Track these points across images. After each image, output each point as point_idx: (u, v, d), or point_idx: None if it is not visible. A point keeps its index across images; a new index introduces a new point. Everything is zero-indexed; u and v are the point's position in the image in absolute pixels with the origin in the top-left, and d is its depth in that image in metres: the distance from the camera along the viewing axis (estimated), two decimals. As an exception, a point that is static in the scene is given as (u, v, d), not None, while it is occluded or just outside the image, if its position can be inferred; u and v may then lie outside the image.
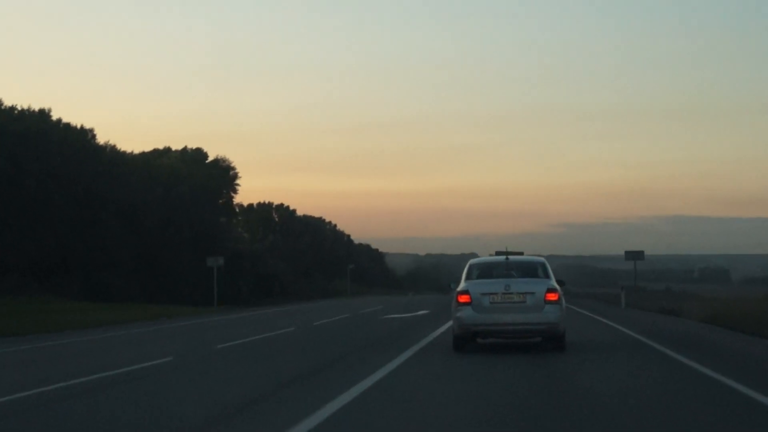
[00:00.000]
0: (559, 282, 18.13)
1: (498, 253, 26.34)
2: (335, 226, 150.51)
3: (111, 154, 58.34)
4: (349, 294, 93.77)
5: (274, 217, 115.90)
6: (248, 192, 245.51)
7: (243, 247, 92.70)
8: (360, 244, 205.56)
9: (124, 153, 63.42)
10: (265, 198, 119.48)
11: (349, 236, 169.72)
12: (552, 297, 17.31)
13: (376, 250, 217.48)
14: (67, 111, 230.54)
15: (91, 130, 56.47)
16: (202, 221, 70.38)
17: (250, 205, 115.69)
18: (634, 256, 51.75)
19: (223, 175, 79.31)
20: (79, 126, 55.70)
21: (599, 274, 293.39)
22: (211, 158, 79.81)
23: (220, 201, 79.96)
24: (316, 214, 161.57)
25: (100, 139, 58.30)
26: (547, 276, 17.97)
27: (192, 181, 69.52)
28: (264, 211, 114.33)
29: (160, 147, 77.84)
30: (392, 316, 35.72)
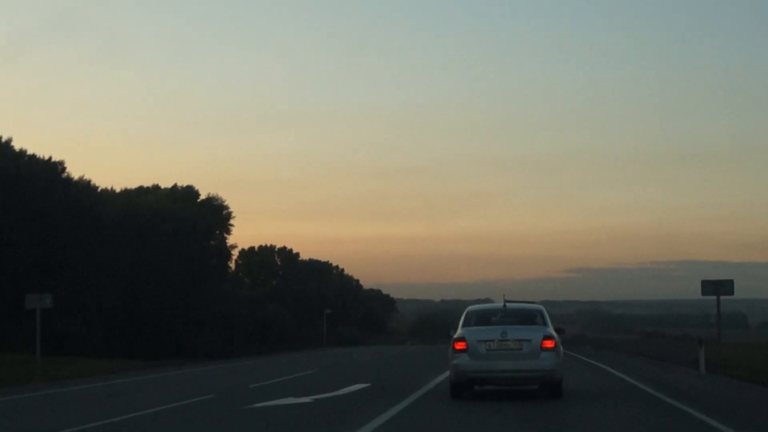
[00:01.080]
0: (557, 330, 18.12)
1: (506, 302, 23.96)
2: (342, 270, 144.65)
3: (83, 188, 52.64)
4: (325, 345, 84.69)
5: (276, 261, 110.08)
6: (254, 239, 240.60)
7: (241, 293, 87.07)
8: (370, 290, 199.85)
9: (99, 189, 57.76)
10: (272, 244, 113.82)
11: (357, 281, 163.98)
12: (549, 344, 17.25)
13: (387, 295, 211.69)
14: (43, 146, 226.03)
15: (61, 163, 50.98)
16: (189, 262, 64.77)
17: (251, 249, 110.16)
18: (717, 288, 31.02)
19: (215, 214, 73.86)
20: (46, 158, 50.21)
21: (614, 320, 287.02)
22: (203, 197, 74.44)
23: (212, 242, 74.43)
24: (325, 260, 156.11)
25: (75, 174, 52.95)
26: (545, 323, 17.95)
27: (179, 220, 64.03)
28: (265, 255, 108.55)
29: (148, 185, 72.66)
30: (270, 403, 17.55)
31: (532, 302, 20.54)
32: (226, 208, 74.46)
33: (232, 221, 75.04)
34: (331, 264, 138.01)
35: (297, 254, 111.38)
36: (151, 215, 61.23)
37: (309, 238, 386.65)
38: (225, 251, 75.04)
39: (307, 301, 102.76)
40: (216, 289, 70.41)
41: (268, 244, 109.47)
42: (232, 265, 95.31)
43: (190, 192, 73.39)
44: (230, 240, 75.11)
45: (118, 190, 66.26)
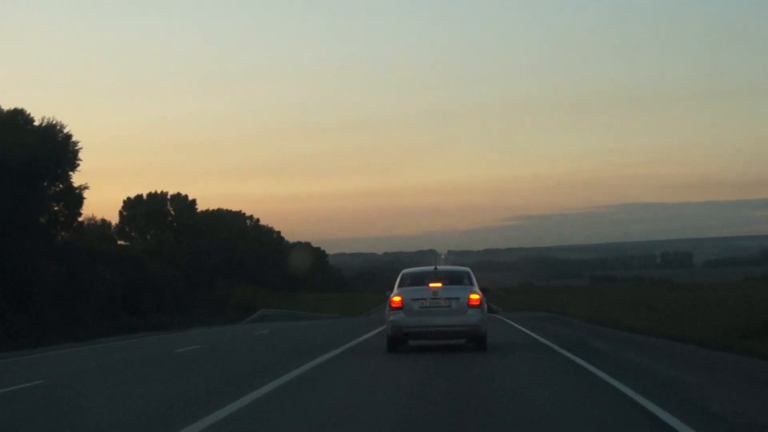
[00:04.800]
0: (483, 290, 20.01)
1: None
2: (258, 221, 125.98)
3: None
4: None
5: (169, 211, 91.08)
6: (206, 200, 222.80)
7: (109, 249, 68.50)
8: (298, 243, 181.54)
9: None
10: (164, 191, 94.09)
11: (279, 233, 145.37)
12: (474, 302, 19.25)
13: (318, 248, 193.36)
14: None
15: None
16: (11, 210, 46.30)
17: (139, 197, 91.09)
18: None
19: (59, 148, 55.08)
20: None
21: (560, 265, 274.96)
22: (38, 123, 55.36)
23: (57, 186, 55.72)
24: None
25: None
26: (471, 284, 19.89)
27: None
28: (155, 204, 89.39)
29: None
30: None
31: (461, 266, 23.22)
32: (70, 136, 55.57)
33: (81, 157, 56.19)
34: (243, 213, 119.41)
35: (194, 201, 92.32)
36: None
37: (248, 198, 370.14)
38: (72, 196, 56.27)
39: (203, 258, 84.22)
40: (51, 246, 51.94)
41: (159, 191, 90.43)
42: (100, 214, 76.56)
43: (18, 116, 54.33)
44: (80, 180, 56.39)
45: None
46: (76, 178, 56.50)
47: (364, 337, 28.01)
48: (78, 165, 56.18)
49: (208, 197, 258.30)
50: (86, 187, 56.27)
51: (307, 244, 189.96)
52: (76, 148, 55.98)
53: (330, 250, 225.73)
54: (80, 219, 58.10)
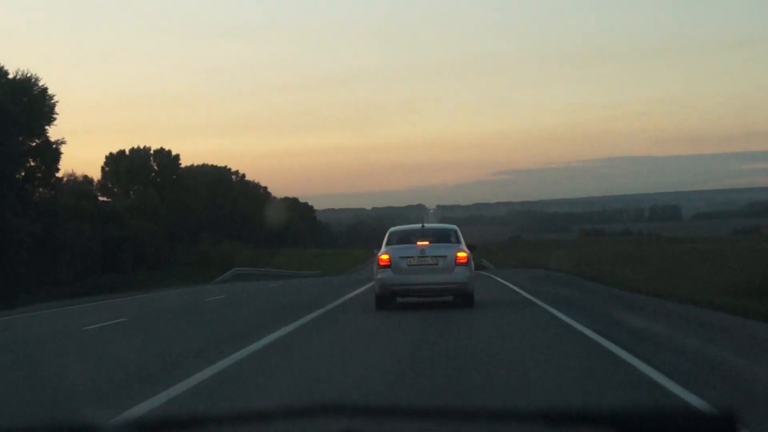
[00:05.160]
0: (470, 247, 20.37)
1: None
2: (243, 176, 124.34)
3: None
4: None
5: (152, 166, 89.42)
6: (191, 156, 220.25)
7: (90, 206, 67.13)
8: (285, 199, 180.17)
9: None
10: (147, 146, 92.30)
11: (265, 188, 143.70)
12: (462, 260, 19.28)
13: (306, 204, 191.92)
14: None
15: None
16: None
17: (121, 152, 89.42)
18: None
19: (34, 102, 53.51)
20: None
21: (548, 219, 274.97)
22: (12, 76, 53.67)
23: (33, 141, 54.20)
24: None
25: None
26: (458, 241, 19.91)
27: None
28: (137, 159, 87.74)
29: None
30: None
31: (448, 224, 22.57)
32: (46, 91, 53.94)
33: (58, 111, 54.59)
34: (228, 169, 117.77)
35: (177, 157, 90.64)
36: None
37: (234, 153, 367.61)
38: (49, 151, 54.73)
39: (187, 215, 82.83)
40: (26, 203, 50.62)
41: (142, 146, 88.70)
42: (83, 171, 74.98)
43: (-9, 70, 52.61)
44: (58, 135, 54.96)
45: None
46: (53, 133, 55.07)
47: (335, 303, 23.02)
48: (54, 119, 54.82)
49: (192, 153, 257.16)
50: (63, 142, 54.84)
51: (295, 200, 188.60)
52: (53, 101, 54.53)
53: (319, 206, 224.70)
54: (58, 175, 56.53)
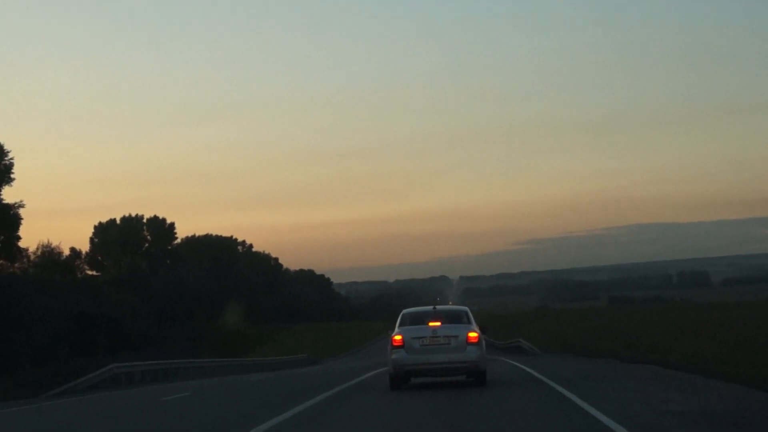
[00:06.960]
0: (481, 328, 20.78)
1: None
2: (251, 246, 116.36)
3: None
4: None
5: (145, 236, 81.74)
6: (191, 228, 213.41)
7: (63, 279, 59.42)
8: (299, 271, 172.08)
9: None
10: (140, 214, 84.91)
11: (276, 259, 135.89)
12: (473, 339, 19.77)
13: (322, 276, 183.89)
14: None
15: None
16: None
17: (111, 221, 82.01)
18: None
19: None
20: None
21: (576, 287, 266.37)
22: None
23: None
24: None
25: None
26: (470, 322, 20.54)
27: None
28: (129, 227, 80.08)
29: None
30: None
31: (459, 306, 23.63)
32: (1, 148, 46.62)
33: (13, 171, 47.22)
34: (234, 239, 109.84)
35: (172, 225, 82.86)
36: None
37: (241, 226, 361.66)
38: (6, 215, 47.23)
39: (180, 289, 74.82)
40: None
41: (134, 214, 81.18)
42: (56, 240, 67.36)
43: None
44: (16, 198, 47.41)
45: None
46: (8, 194, 47.58)
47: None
48: (12, 179, 47.33)
49: (193, 225, 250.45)
50: (21, 205, 47.31)
51: (310, 272, 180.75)
52: (9, 159, 47.15)
53: (340, 279, 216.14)
54: (21, 245, 48.94)
